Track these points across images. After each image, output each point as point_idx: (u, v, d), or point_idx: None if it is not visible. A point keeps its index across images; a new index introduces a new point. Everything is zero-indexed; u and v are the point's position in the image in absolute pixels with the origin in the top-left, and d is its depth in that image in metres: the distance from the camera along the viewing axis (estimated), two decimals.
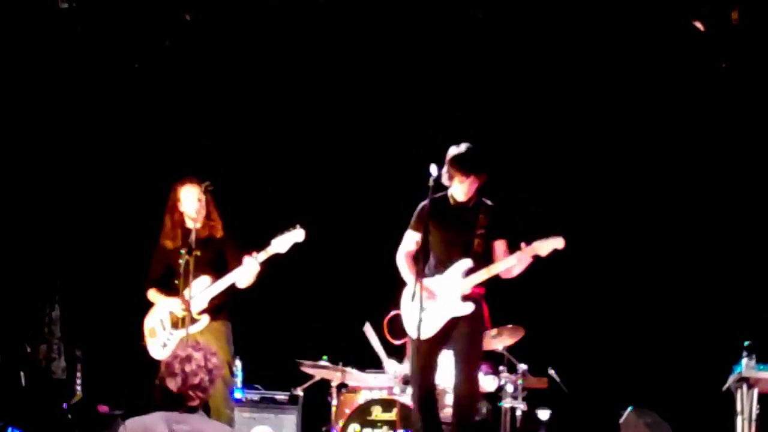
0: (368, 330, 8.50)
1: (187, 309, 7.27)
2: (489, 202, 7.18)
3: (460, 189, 7.14)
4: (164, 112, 9.86)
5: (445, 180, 7.12)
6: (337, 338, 8.78)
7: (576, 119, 9.60)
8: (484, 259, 7.11)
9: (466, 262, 7.07)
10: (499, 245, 7.17)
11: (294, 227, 7.45)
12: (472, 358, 7.12)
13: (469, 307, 7.06)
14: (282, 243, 7.43)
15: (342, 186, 9.83)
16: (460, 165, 7.05)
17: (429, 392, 7.17)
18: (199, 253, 7.27)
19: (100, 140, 9.80)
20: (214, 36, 9.65)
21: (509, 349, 8.21)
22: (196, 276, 7.39)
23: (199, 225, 7.55)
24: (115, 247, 9.70)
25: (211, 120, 9.86)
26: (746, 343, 7.46)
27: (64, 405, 8.64)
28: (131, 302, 7.82)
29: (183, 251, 7.22)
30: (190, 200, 7.55)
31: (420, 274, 7.00)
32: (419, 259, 7.14)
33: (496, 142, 8.05)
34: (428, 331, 7.02)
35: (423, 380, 7.12)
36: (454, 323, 7.09)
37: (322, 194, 9.77)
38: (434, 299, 7.07)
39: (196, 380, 4.98)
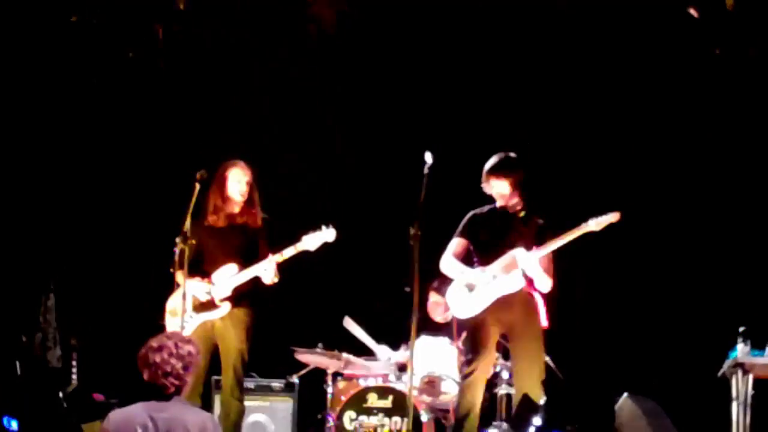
0: (349, 323, 8.56)
1: (184, 298, 7.23)
2: (540, 221, 7.38)
3: (502, 198, 7.37)
4: (165, 103, 9.85)
5: (488, 190, 7.37)
6: (332, 326, 8.77)
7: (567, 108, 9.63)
8: None
9: (518, 251, 7.25)
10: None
11: (327, 226, 7.44)
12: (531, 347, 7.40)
13: (519, 281, 7.26)
14: (312, 241, 7.43)
15: (338, 176, 9.82)
16: (497, 170, 7.30)
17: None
18: (194, 242, 7.17)
19: (96, 128, 9.78)
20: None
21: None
22: (224, 262, 7.44)
23: (237, 210, 7.54)
24: (110, 235, 9.68)
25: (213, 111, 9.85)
26: (741, 329, 7.50)
27: (60, 394, 8.63)
28: (127, 291, 7.81)
29: (178, 239, 7.10)
30: (238, 181, 7.50)
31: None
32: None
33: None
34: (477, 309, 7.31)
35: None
36: (507, 307, 7.29)
37: (319, 185, 9.77)
38: (486, 284, 7.27)
39: (167, 368, 5.14)
